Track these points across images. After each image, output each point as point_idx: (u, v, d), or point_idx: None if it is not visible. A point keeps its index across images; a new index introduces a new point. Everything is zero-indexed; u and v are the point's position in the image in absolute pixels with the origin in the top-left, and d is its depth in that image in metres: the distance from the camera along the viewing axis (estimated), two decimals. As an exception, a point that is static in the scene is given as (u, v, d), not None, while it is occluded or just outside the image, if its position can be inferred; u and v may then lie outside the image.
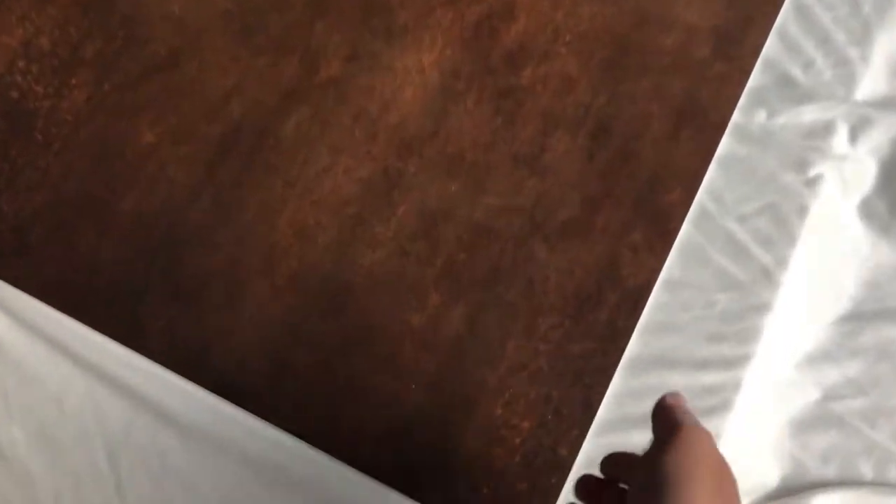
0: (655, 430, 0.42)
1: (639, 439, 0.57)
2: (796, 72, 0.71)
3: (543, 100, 0.66)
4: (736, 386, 0.61)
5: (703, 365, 0.61)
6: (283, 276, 0.63)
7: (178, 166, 0.67)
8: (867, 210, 0.68)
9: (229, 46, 0.70)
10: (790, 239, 0.65)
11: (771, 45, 0.70)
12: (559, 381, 0.59)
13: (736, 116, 0.69)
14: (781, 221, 0.66)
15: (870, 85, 0.71)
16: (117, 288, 0.62)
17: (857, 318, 0.65)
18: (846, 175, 0.68)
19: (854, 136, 0.69)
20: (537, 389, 0.58)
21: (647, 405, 0.58)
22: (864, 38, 0.72)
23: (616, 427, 0.59)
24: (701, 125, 0.64)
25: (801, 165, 0.68)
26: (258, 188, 0.66)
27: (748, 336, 0.62)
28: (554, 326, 0.60)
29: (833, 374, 0.63)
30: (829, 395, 0.63)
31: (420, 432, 0.57)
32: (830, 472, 0.61)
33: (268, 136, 0.67)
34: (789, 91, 0.70)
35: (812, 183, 0.67)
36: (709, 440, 0.40)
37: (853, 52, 0.71)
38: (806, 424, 0.62)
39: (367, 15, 0.70)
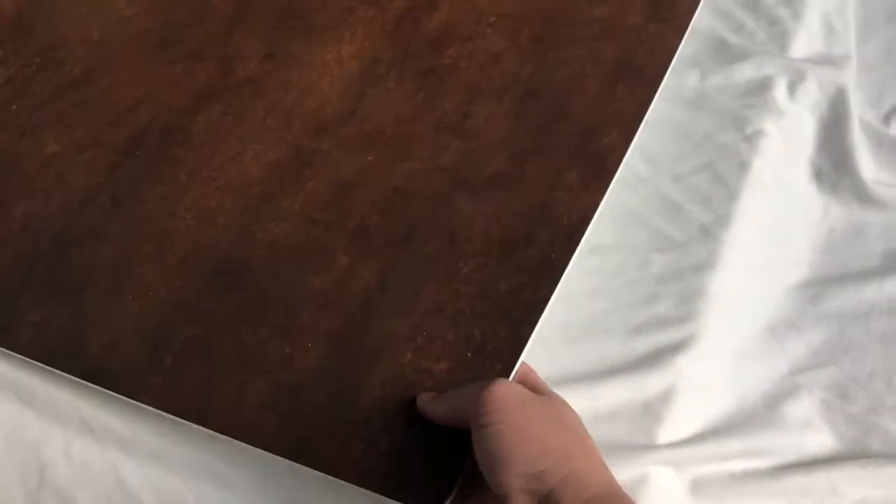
0: (462, 402, 0.42)
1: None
2: (728, 35, 0.69)
3: (468, 74, 0.61)
4: (676, 348, 0.53)
5: (639, 329, 0.55)
6: (175, 257, 0.55)
7: (78, 172, 0.62)
8: (814, 169, 0.64)
9: (144, 60, 0.67)
10: (731, 195, 0.60)
11: (700, 15, 0.67)
12: (483, 319, 0.48)
13: (668, 81, 0.64)
14: (720, 179, 0.61)
15: (805, 43, 0.69)
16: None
17: (817, 283, 0.58)
18: (787, 131, 0.64)
19: (792, 91, 0.65)
20: (456, 330, 0.48)
21: (574, 372, 0.51)
22: (794, -2, 0.70)
23: None
24: (638, 79, 0.59)
25: (740, 123, 0.64)
26: (160, 182, 0.60)
27: (688, 296, 0.55)
28: (478, 268, 0.51)
29: (799, 345, 0.56)
30: (797, 368, 0.55)
31: (311, 392, 0.46)
32: (806, 449, 0.52)
33: (176, 134, 0.62)
34: (722, 53, 0.67)
35: (752, 138, 0.63)
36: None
37: (784, 12, 0.70)
38: (774, 399, 0.54)
39: (284, 19, 0.68)
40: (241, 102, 0.63)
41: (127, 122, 0.64)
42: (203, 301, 0.52)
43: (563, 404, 0.42)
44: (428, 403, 0.44)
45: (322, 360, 0.48)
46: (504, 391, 0.40)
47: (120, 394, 0.49)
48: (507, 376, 0.45)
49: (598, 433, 0.47)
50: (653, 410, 0.51)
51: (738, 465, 0.51)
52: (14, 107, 0.66)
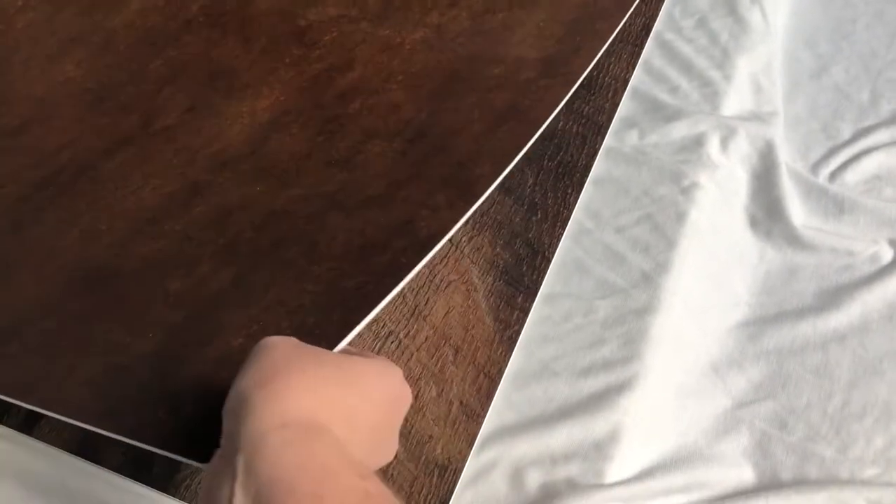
0: None
1: (522, 449, 0.55)
2: (664, 96, 0.73)
3: (367, 121, 0.64)
4: (622, 388, 0.57)
5: (586, 371, 0.58)
6: (51, 268, 0.56)
7: (-10, 204, 0.64)
8: (749, 217, 0.67)
9: (78, 113, 0.71)
10: (669, 244, 0.63)
11: (638, 77, 0.72)
12: (319, 311, 0.47)
13: (609, 140, 0.68)
14: (659, 228, 0.64)
15: (735, 102, 0.73)
16: None
17: (755, 322, 0.62)
18: (721, 182, 0.67)
19: (725, 146, 0.69)
20: (291, 320, 0.47)
21: (528, 415, 0.57)
22: (724, 61, 0.75)
23: (496, 438, 0.55)
24: (520, 121, 0.60)
25: (676, 177, 0.67)
26: (61, 209, 0.62)
27: (631, 338, 0.59)
28: (330, 270, 0.50)
29: (740, 381, 0.59)
30: (739, 402, 0.58)
31: (136, 371, 0.45)
32: (747, 479, 0.55)
33: (88, 172, 0.65)
34: (658, 113, 0.71)
35: (688, 191, 0.66)
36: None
37: (716, 75, 0.74)
38: (715, 433, 0.57)
39: (212, 79, 0.72)
40: (155, 146, 0.66)
41: (47, 163, 0.67)
42: (65, 301, 0.52)
43: (365, 363, 0.40)
44: None
45: (158, 345, 0.47)
46: (266, 340, 0.38)
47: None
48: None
49: (555, 475, 0.53)
50: (603, 450, 0.54)
51: (681, 499, 0.53)
52: (-50, 153, 0.69)
